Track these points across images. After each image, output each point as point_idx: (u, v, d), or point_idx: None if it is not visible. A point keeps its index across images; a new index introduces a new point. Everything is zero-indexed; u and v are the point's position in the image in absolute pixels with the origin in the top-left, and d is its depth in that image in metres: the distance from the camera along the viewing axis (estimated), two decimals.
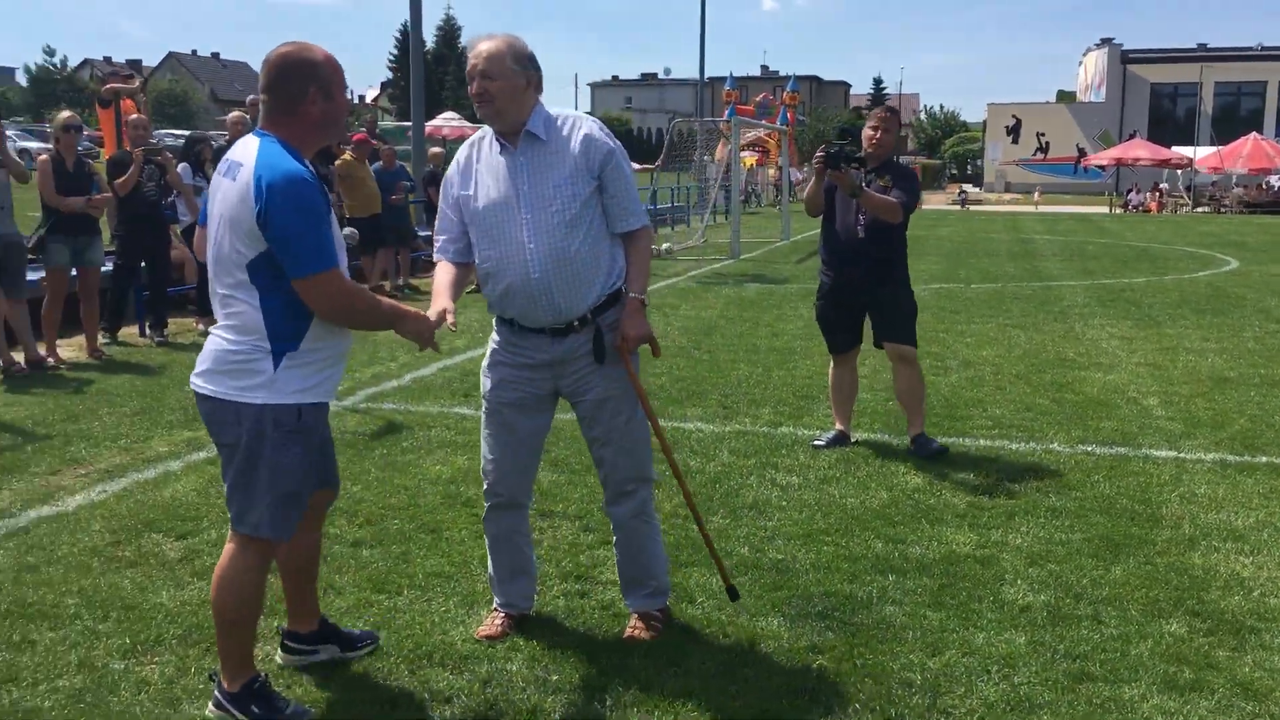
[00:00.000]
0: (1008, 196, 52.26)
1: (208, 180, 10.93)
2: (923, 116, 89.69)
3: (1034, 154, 58.52)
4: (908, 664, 3.80)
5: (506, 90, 3.67)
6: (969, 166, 71.44)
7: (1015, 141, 59.08)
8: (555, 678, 3.69)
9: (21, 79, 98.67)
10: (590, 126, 3.84)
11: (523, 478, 4.02)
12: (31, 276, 8.96)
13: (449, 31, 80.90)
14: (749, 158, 40.75)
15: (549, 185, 3.72)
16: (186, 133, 29.24)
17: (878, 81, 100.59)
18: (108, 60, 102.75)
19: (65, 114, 9.32)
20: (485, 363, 4.00)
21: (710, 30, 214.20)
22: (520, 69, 3.72)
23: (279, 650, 3.75)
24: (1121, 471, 6.08)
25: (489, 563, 4.15)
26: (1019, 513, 5.37)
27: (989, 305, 12.98)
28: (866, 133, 6.43)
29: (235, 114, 11.51)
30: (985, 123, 62.47)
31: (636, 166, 20.14)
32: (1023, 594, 4.39)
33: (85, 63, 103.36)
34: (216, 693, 3.40)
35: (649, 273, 3.99)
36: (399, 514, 5.25)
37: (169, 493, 5.52)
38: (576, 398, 3.91)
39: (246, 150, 3.21)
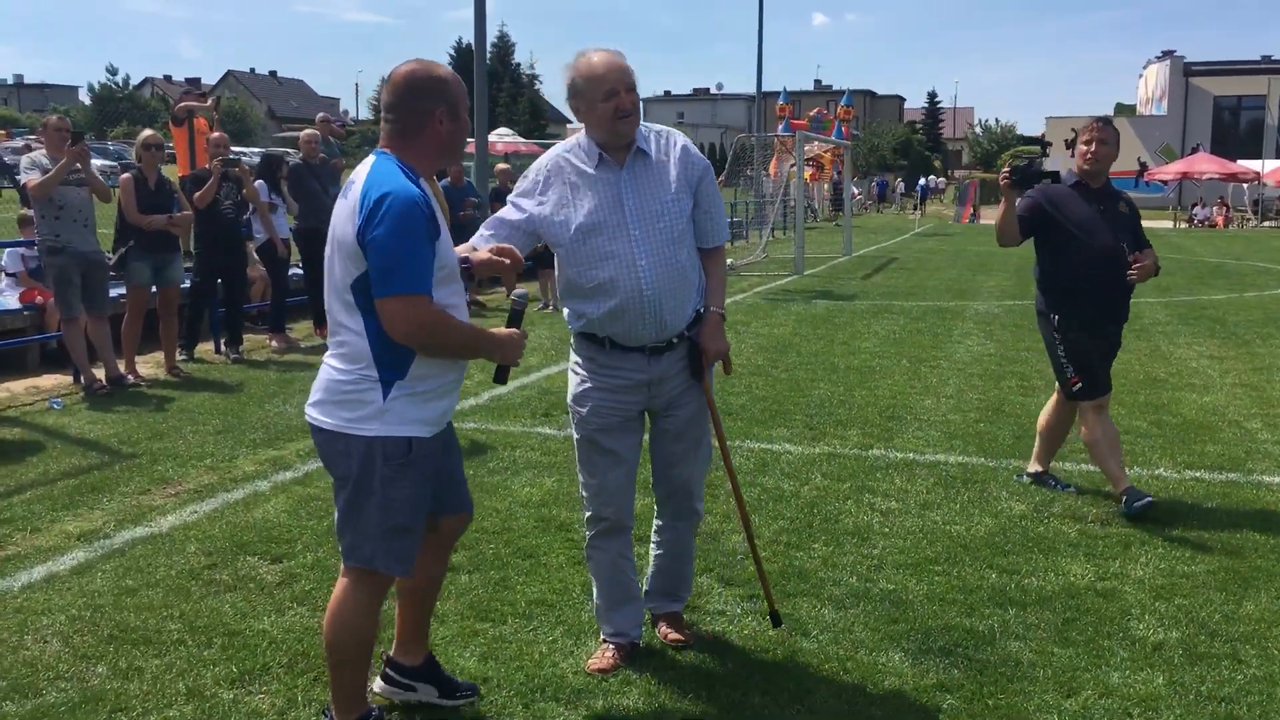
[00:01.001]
0: None
1: (283, 198, 11.07)
2: (978, 130, 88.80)
3: None
4: (1043, 705, 3.62)
5: (640, 103, 3.71)
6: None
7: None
8: (674, 713, 3.55)
9: (85, 97, 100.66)
10: (685, 141, 3.87)
11: (625, 500, 3.94)
12: (112, 294, 8.99)
13: (503, 49, 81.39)
14: (805, 172, 40.61)
15: (656, 201, 3.70)
16: (244, 150, 29.60)
17: (932, 95, 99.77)
18: (168, 79, 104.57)
19: (147, 133, 9.37)
20: (573, 392, 3.88)
21: (764, 45, 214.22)
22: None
23: (378, 678, 3.63)
24: (1235, 499, 5.85)
25: (594, 591, 4.06)
26: (1135, 542, 5.15)
27: None
28: (1080, 148, 6.00)
29: (308, 131, 11.54)
30: (1044, 135, 61.66)
31: None
32: (1153, 630, 4.19)
33: (146, 81, 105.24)
34: None
35: (726, 287, 3.98)
36: (494, 538, 5.14)
37: (260, 514, 5.46)
38: (668, 414, 3.86)
39: (361, 169, 3.16)
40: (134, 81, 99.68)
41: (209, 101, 13.44)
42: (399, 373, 3.11)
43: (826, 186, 41.90)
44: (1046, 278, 5.86)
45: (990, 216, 44.75)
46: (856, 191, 51.58)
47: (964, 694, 3.68)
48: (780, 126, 35.53)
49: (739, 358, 9.99)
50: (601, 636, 4.03)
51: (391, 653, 3.62)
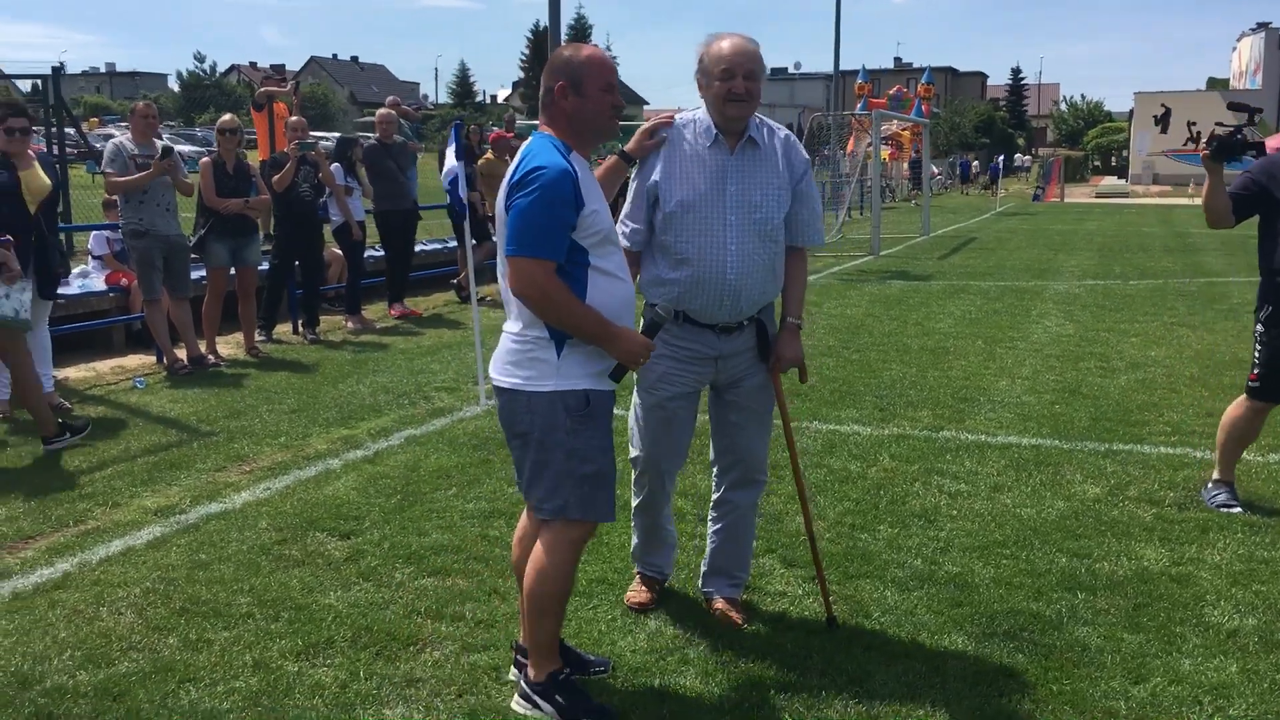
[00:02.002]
0: (1155, 189, 50.18)
1: (359, 181, 11.21)
2: (1063, 107, 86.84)
3: (1184, 144, 56.03)
4: (1109, 691, 3.54)
5: (760, 93, 3.74)
6: (1113, 158, 68.89)
7: (1164, 131, 56.63)
8: (731, 694, 3.54)
9: (174, 84, 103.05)
10: (794, 138, 3.92)
11: (676, 465, 4.10)
12: (193, 276, 9.18)
13: (580, 31, 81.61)
14: (883, 151, 40.04)
15: (757, 192, 3.76)
16: (327, 134, 30.02)
17: (1016, 71, 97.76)
18: (253, 65, 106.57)
19: (225, 118, 9.54)
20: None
21: (842, 23, 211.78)
22: (765, 71, 3.80)
23: (512, 666, 3.64)
24: None
25: (634, 540, 4.28)
26: (1213, 527, 5.01)
27: (1151, 302, 12.39)
28: None
29: (384, 110, 11.68)
30: (1132, 112, 60.11)
31: None
32: (1228, 617, 4.08)
33: (233, 68, 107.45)
34: (522, 683, 3.44)
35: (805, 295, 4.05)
36: None
37: (330, 491, 5.55)
38: (731, 388, 3.96)
39: (524, 146, 3.34)
40: (221, 68, 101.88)
41: (288, 86, 13.65)
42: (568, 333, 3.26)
43: (905, 166, 41.29)
44: (1266, 261, 5.18)
45: (1073, 194, 43.85)
46: (936, 170, 50.80)
47: (1027, 679, 3.62)
48: (859, 105, 35.07)
49: (810, 339, 9.91)
50: (635, 570, 4.28)
51: (520, 639, 3.59)
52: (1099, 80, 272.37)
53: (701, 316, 3.77)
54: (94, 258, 10.43)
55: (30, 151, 7.11)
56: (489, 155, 13.27)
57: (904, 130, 35.13)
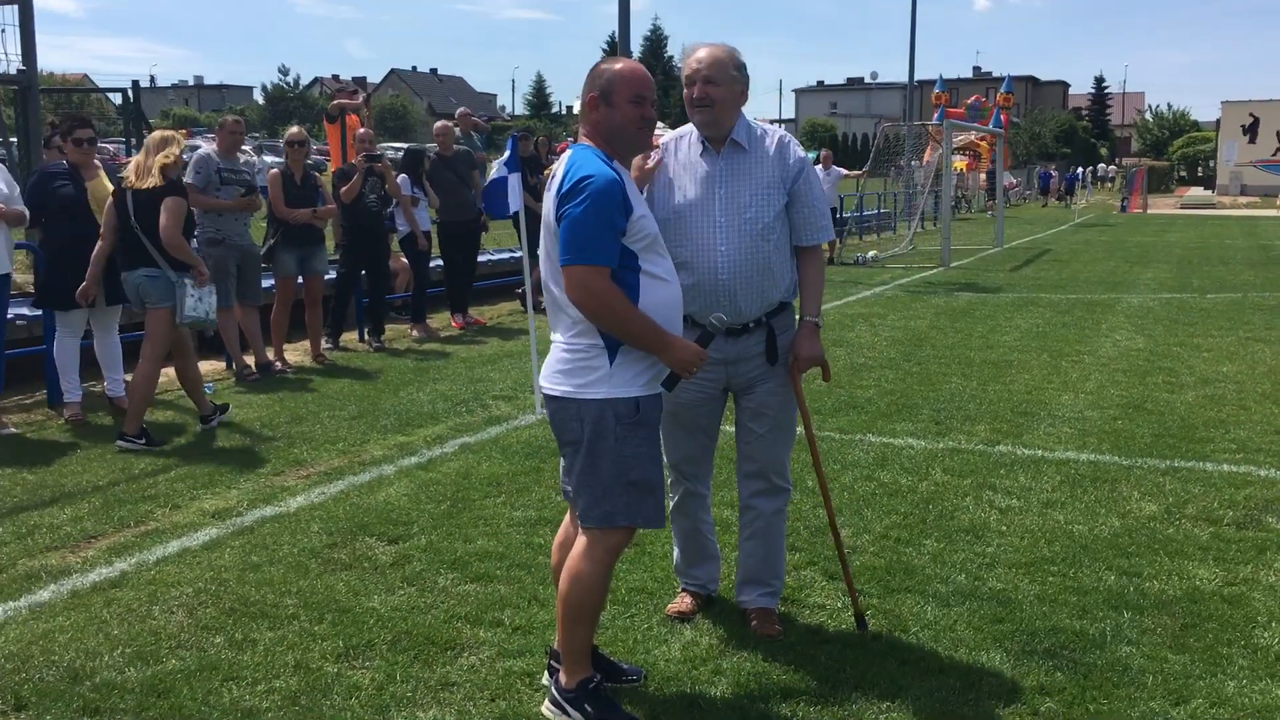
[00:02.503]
0: (1243, 200, 48.90)
1: (425, 192, 11.39)
2: (1148, 116, 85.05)
3: (1273, 154, 54.58)
4: (1148, 712, 3.48)
5: (727, 97, 3.84)
6: (1200, 169, 67.29)
7: (1252, 141, 55.22)
8: (761, 706, 3.54)
9: (259, 97, 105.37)
10: (788, 139, 4.00)
11: (705, 466, 4.21)
12: (263, 285, 9.40)
13: (655, 41, 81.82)
14: (959, 162, 39.52)
15: (745, 193, 3.86)
16: (401, 145, 30.44)
17: (1099, 80, 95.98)
18: (335, 78, 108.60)
19: (294, 129, 9.77)
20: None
21: (920, 32, 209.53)
22: (739, 75, 3.90)
23: (545, 672, 3.67)
24: None
25: (675, 551, 4.34)
26: (1270, 547, 4.89)
27: (1227, 317, 12.10)
28: None
29: (440, 123, 11.88)
30: (1219, 122, 58.70)
31: (843, 172, 19.76)
32: (1279, 640, 3.98)
33: (316, 81, 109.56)
34: (553, 689, 3.48)
35: (823, 292, 4.05)
36: None
37: (382, 496, 5.65)
38: (745, 394, 4.04)
39: (562, 160, 3.41)
40: (304, 81, 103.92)
41: (360, 99, 13.90)
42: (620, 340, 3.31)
43: (982, 176, 40.77)
44: None
45: (1156, 205, 42.82)
46: (1014, 181, 50.05)
47: (1064, 698, 3.56)
48: (936, 115, 34.72)
49: (870, 351, 9.85)
50: (680, 585, 4.31)
51: (555, 644, 3.60)
52: (1186, 89, 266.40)
53: (704, 319, 3.79)
54: None
55: (96, 161, 7.36)
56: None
57: (982, 140, 34.66)
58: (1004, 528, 5.20)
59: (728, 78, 3.83)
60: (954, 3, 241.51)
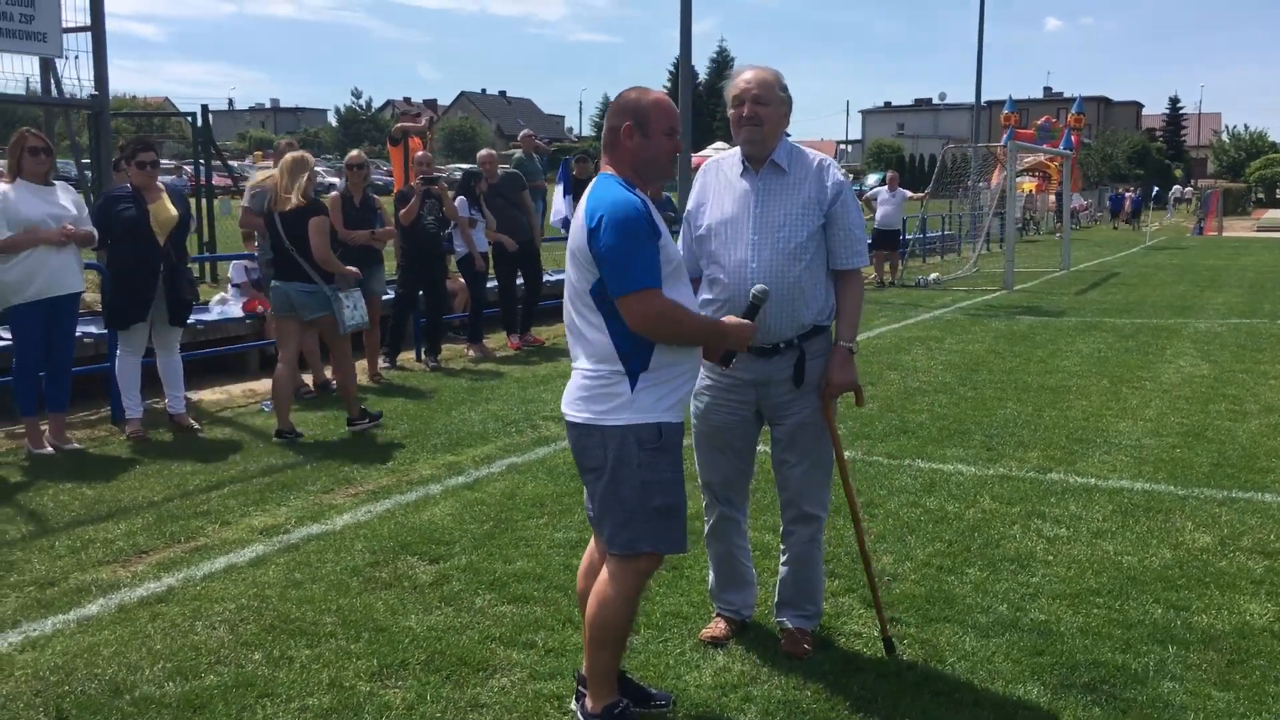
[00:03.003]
0: None
1: (482, 213, 11.52)
2: (1225, 137, 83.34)
3: None
4: None
5: (773, 117, 3.90)
6: (1278, 190, 65.75)
7: None
8: None
9: (332, 119, 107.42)
10: (829, 163, 4.01)
11: (740, 491, 4.20)
12: None
13: (721, 63, 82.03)
14: (1028, 183, 39.02)
15: (780, 212, 3.89)
16: (464, 167, 30.78)
17: (1174, 101, 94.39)
18: (407, 100, 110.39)
19: (353, 153, 9.94)
20: (695, 387, 4.02)
21: (990, 52, 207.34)
22: (784, 97, 3.97)
23: (573, 697, 3.69)
24: None
25: (710, 575, 4.33)
26: None
27: None
28: None
29: (484, 152, 12.01)
30: None
31: (908, 194, 19.62)
32: None
33: (388, 103, 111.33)
34: (579, 713, 3.52)
35: (860, 319, 4.05)
36: None
37: (427, 516, 5.71)
38: (777, 420, 4.04)
39: (589, 189, 3.45)
40: (376, 104, 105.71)
41: (423, 122, 14.11)
42: (642, 364, 3.35)
43: (1051, 198, 40.24)
44: None
45: (1232, 228, 41.86)
46: (1084, 203, 49.30)
47: None
48: (1005, 136, 34.35)
49: (925, 375, 9.75)
50: (715, 609, 4.30)
51: (583, 669, 3.61)
52: (1264, 109, 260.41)
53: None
54: (233, 285, 10.96)
55: (159, 184, 7.55)
56: None
57: (1052, 161, 34.24)
58: (1050, 557, 5.11)
59: (775, 98, 3.89)
60: (1025, 23, 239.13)
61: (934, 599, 4.60)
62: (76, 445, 7.22)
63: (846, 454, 6.93)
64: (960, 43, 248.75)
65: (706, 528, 4.25)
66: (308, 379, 9.16)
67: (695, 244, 4.00)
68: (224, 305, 10.60)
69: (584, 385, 3.41)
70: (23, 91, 10.29)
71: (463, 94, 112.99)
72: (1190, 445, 7.22)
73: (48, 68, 10.04)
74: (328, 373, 9.34)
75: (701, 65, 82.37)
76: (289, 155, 7.75)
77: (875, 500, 5.98)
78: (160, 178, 7.72)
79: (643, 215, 3.28)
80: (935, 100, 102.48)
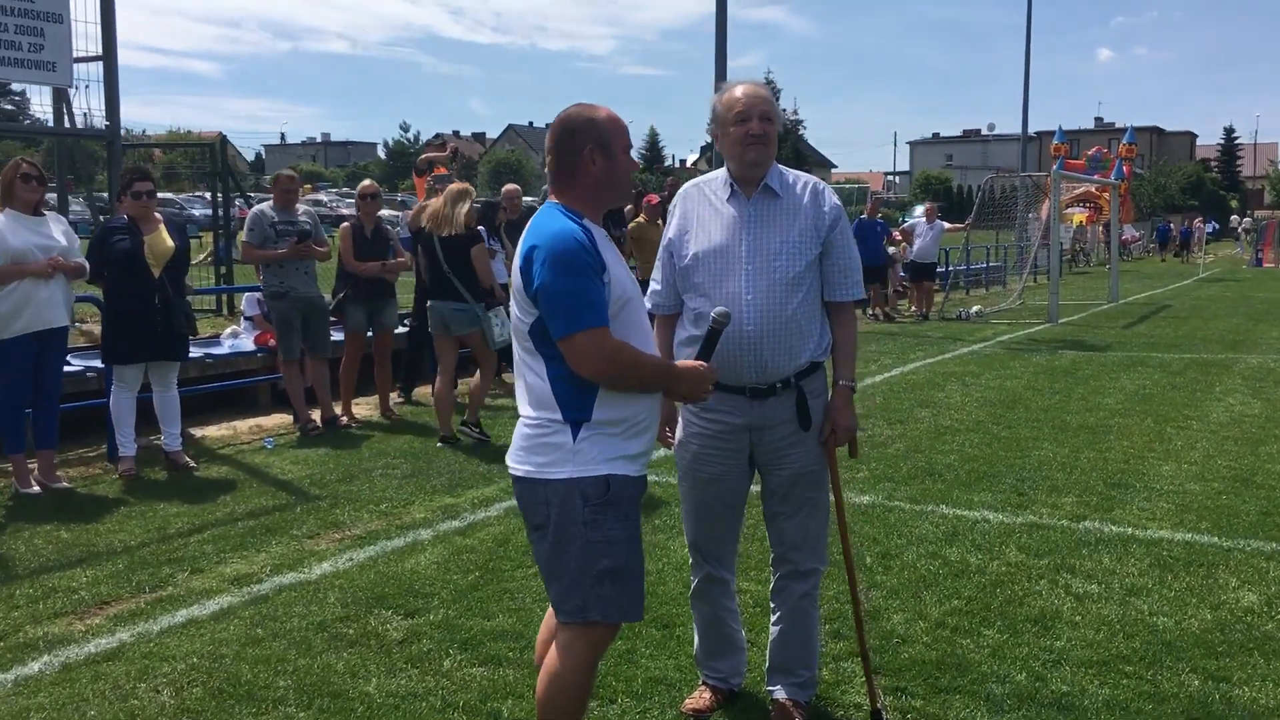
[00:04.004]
0: None
1: (502, 244, 11.25)
2: None
3: None
4: None
5: (775, 136, 3.58)
6: None
7: None
8: None
9: (381, 153, 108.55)
10: (823, 186, 3.66)
11: (730, 549, 3.84)
12: (333, 338, 9.32)
13: None
14: (1078, 214, 38.31)
15: (775, 240, 3.54)
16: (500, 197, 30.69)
17: (1229, 131, 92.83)
18: (455, 134, 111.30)
19: (365, 183, 9.72)
20: (679, 434, 3.72)
21: (1040, 82, 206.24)
22: (782, 118, 3.68)
23: None
24: None
25: (696, 640, 3.94)
26: None
27: None
28: None
29: (510, 186, 11.78)
30: None
31: (946, 226, 19.17)
32: None
33: (437, 136, 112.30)
34: None
35: (857, 353, 3.72)
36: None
37: (410, 564, 5.38)
38: (771, 469, 3.65)
39: (530, 222, 3.12)
40: (424, 137, 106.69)
41: (447, 151, 13.90)
42: (584, 413, 3.00)
43: (1102, 229, 39.47)
44: None
45: None
46: (1136, 234, 48.39)
47: None
48: (1055, 166, 33.74)
49: (958, 412, 9.30)
50: (701, 677, 3.92)
51: None
52: None
53: (727, 377, 3.46)
54: (245, 318, 10.75)
55: (157, 215, 7.34)
56: (641, 219, 13.18)
57: (1103, 192, 33.56)
58: (1078, 618, 4.67)
59: (778, 116, 3.59)
60: (1076, 53, 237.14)
61: (945, 665, 4.18)
62: (65, 484, 6.98)
63: (865, 498, 6.59)
64: (1009, 73, 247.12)
65: (691, 589, 3.88)
66: (315, 415, 8.89)
67: (678, 276, 3.65)
68: (235, 338, 10.39)
69: (524, 434, 3.08)
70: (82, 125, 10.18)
71: (510, 127, 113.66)
72: (1237, 491, 6.73)
73: (60, 97, 9.93)
74: (337, 408, 9.09)
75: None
76: (453, 186, 8.55)
77: (891, 551, 5.57)
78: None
79: (585, 248, 2.93)
80: (984, 131, 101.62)
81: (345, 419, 9.06)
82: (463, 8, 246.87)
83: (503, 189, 11.78)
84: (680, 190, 3.75)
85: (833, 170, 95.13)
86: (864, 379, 11.13)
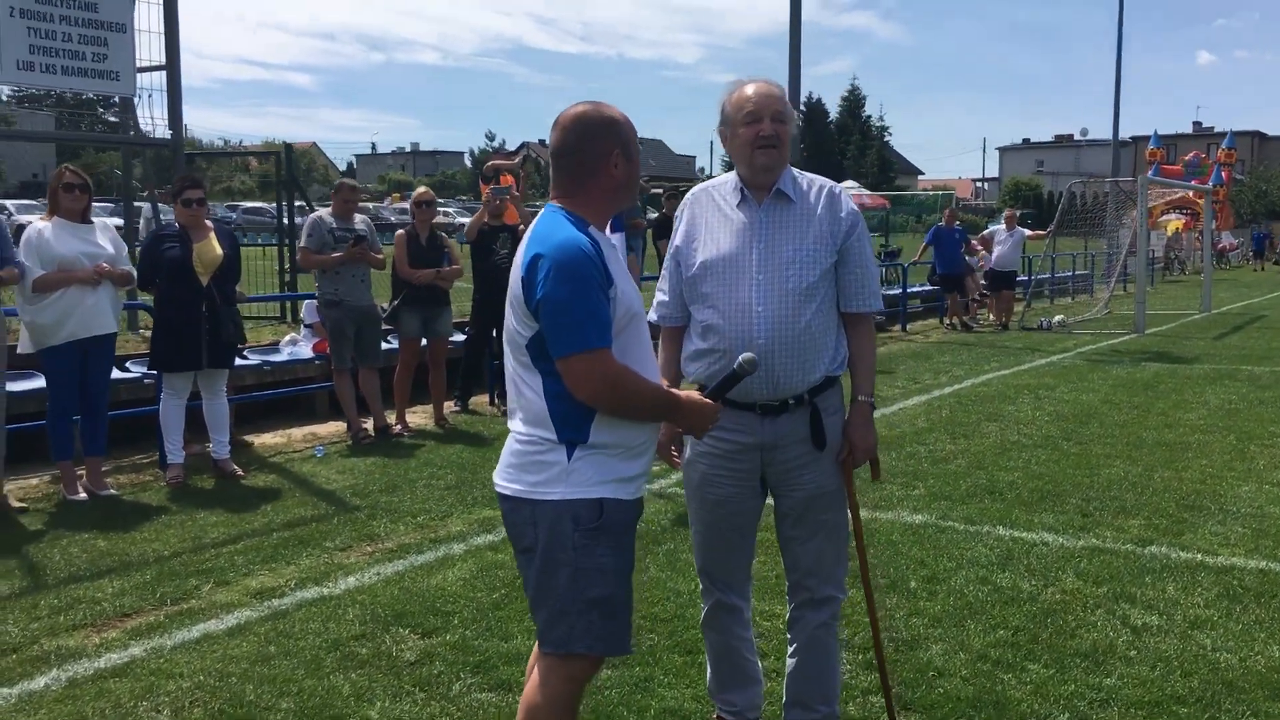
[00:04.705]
0: None
1: None
2: None
3: None
4: None
5: (789, 138, 3.35)
6: None
7: None
8: None
9: (468, 162, 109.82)
10: (839, 190, 3.43)
11: (741, 574, 3.61)
12: (387, 346, 9.28)
13: (853, 102, 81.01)
14: (1175, 221, 37.17)
15: (789, 248, 3.32)
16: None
17: None
18: (542, 143, 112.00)
19: (420, 190, 9.67)
20: (686, 453, 3.50)
21: (1137, 86, 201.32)
22: (794, 118, 3.42)
23: None
24: None
25: (708, 670, 3.72)
26: None
27: None
28: None
29: None
30: None
31: (1028, 234, 18.62)
32: None
33: (523, 145, 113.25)
34: None
35: (875, 368, 3.46)
36: (660, 627, 4.64)
37: (437, 580, 5.24)
38: (784, 490, 3.43)
39: (531, 226, 2.93)
40: (510, 146, 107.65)
41: (516, 159, 13.86)
42: (580, 434, 2.83)
43: (1197, 236, 38.24)
44: None
45: None
46: (1234, 242, 46.81)
47: None
48: (1150, 172, 32.77)
49: (1028, 427, 8.92)
50: (715, 711, 3.72)
51: None
52: None
53: (736, 393, 3.23)
54: (305, 326, 10.78)
55: (207, 222, 7.34)
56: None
57: (1200, 198, 32.49)
58: (1133, 652, 4.36)
59: (790, 116, 3.35)
60: (1174, 56, 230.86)
61: (982, 703, 3.91)
62: (113, 491, 6.99)
63: (917, 517, 6.30)
64: (1103, 77, 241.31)
65: (702, 615, 3.67)
66: (367, 424, 8.84)
67: (685, 286, 3.45)
68: (294, 345, 10.42)
69: (516, 451, 2.90)
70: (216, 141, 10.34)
71: None
72: None
73: (126, 107, 10.05)
74: (390, 416, 9.04)
75: (833, 105, 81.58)
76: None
77: (939, 574, 5.29)
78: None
79: (594, 260, 2.74)
80: (1077, 136, 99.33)
81: (398, 427, 9.00)
82: (552, 18, 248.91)
83: None
84: (688, 195, 3.55)
85: (919, 177, 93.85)
86: (933, 390, 10.79)
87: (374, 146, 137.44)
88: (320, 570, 5.45)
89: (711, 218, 3.42)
